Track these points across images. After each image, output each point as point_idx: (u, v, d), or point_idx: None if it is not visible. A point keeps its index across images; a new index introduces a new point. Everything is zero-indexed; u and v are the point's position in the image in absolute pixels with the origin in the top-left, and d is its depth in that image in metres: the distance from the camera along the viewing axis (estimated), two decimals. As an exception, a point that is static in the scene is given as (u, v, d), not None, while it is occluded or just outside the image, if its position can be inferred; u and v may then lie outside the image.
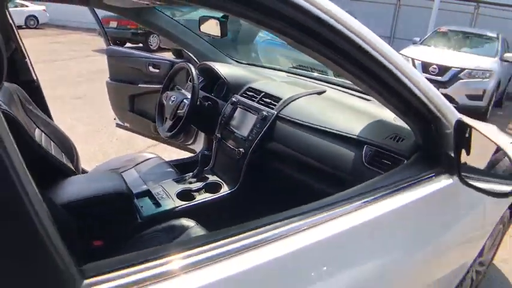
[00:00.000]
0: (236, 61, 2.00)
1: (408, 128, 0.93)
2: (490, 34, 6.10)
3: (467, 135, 0.85)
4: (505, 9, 8.38)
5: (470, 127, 0.86)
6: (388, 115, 1.11)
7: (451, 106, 0.88)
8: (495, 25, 7.66)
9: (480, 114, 4.95)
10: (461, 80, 4.87)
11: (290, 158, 1.32)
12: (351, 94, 1.49)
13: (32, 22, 13.87)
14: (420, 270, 0.87)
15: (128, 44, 9.52)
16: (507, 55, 5.51)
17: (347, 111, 1.30)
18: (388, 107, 0.85)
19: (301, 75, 1.85)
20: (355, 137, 1.12)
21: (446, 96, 1.76)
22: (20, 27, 13.30)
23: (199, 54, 1.88)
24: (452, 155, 0.84)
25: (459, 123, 0.84)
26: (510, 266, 2.02)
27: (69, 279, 0.40)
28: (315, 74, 1.83)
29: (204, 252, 0.51)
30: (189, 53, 1.91)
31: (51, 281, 0.39)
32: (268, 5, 0.55)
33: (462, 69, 4.93)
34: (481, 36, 6.19)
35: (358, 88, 1.25)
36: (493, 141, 0.93)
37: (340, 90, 1.56)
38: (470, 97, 4.79)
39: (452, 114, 0.86)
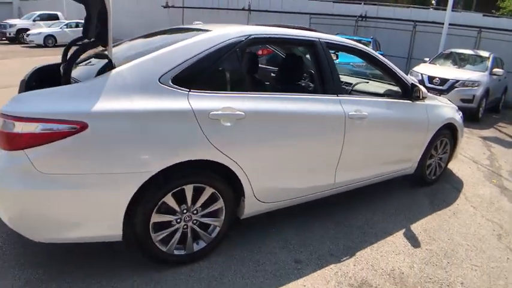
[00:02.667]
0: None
1: (400, 89, 3.05)
2: (483, 54, 8.13)
3: (415, 87, 2.98)
4: (504, 33, 10.36)
5: (415, 85, 2.98)
6: (394, 87, 3.22)
7: (409, 79, 3.01)
8: (495, 47, 9.64)
9: (473, 114, 6.93)
10: (456, 88, 6.89)
11: None
12: (380, 82, 3.64)
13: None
14: (398, 144, 2.99)
15: None
16: (495, 70, 7.49)
17: (380, 86, 3.43)
18: (393, 81, 3.00)
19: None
20: (385, 93, 3.23)
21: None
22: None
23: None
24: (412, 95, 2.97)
25: (412, 84, 2.97)
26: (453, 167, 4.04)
27: None
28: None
29: None
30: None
31: None
32: (352, 48, 2.72)
33: (457, 81, 6.96)
34: (476, 56, 8.22)
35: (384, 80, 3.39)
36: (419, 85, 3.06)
37: (375, 80, 3.71)
38: (464, 101, 6.76)
39: (409, 81, 2.99)
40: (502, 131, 6.81)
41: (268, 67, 3.73)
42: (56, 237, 1.77)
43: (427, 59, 8.54)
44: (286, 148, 2.23)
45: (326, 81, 2.44)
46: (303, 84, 2.96)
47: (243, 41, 2.10)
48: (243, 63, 2.28)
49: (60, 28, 15.58)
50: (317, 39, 2.47)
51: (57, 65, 2.66)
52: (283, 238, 2.43)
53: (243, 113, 1.96)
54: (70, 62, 1.83)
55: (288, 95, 2.28)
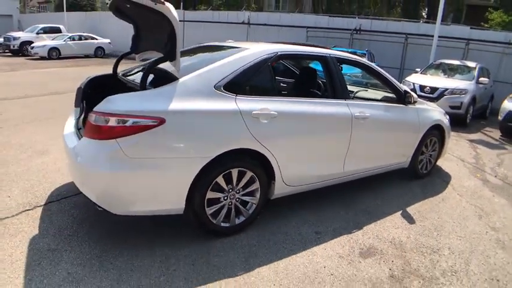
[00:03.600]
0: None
1: (394, 95, 3.68)
2: (470, 64, 8.90)
3: (408, 93, 3.61)
4: (489, 44, 11.20)
5: (407, 91, 3.61)
6: (390, 94, 3.85)
7: (402, 86, 3.64)
8: (482, 58, 10.45)
9: (461, 119, 7.61)
10: (445, 96, 7.59)
11: None
12: (376, 90, 4.27)
13: (100, 52, 17.51)
14: (394, 141, 3.60)
15: None
16: (481, 79, 8.23)
17: (377, 93, 4.05)
18: (389, 89, 3.62)
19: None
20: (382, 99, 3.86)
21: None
22: (88, 56, 17.01)
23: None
24: (405, 100, 3.60)
25: (404, 90, 3.61)
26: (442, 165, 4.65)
27: None
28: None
29: None
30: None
31: None
32: (355, 61, 3.35)
33: (446, 89, 7.67)
34: (463, 66, 8.99)
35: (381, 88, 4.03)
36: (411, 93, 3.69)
37: (371, 88, 4.34)
38: (452, 107, 7.44)
39: (402, 88, 3.62)
40: (488, 134, 7.49)
41: (283, 78, 4.35)
42: (132, 210, 2.27)
43: (419, 69, 9.28)
44: (307, 141, 2.82)
45: (336, 89, 3.06)
46: (319, 91, 3.54)
47: (272, 57, 2.71)
48: (274, 74, 2.86)
49: (64, 41, 16.23)
50: (328, 55, 3.09)
51: (107, 76, 3.22)
52: (303, 217, 2.99)
53: (276, 113, 2.55)
54: (146, 73, 2.37)
55: (308, 99, 2.90)
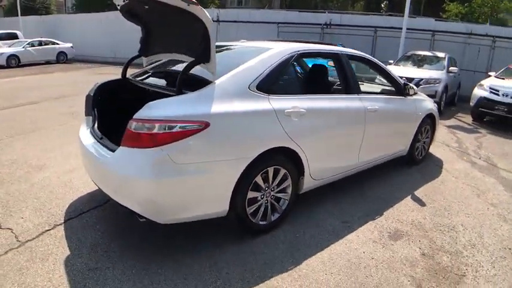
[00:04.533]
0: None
1: (393, 88, 3.97)
2: (439, 55, 9.58)
3: (407, 85, 3.92)
4: (453, 35, 12.07)
5: (406, 84, 3.92)
6: (387, 87, 4.14)
7: (401, 80, 3.94)
8: (446, 48, 11.25)
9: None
10: (421, 86, 8.13)
11: None
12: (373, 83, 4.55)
13: (62, 57, 16.79)
14: (398, 131, 3.90)
15: None
16: (451, 68, 8.90)
17: (376, 86, 4.34)
18: (389, 82, 3.90)
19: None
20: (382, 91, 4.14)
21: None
22: (49, 62, 16.23)
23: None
24: (404, 91, 3.90)
25: (404, 83, 3.91)
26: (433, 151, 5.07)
27: None
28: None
29: None
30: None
31: None
32: (362, 57, 3.59)
33: (421, 79, 8.22)
34: (433, 56, 9.65)
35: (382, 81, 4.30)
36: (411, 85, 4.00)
37: (368, 82, 4.62)
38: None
39: (401, 81, 3.92)
40: (462, 120, 8.14)
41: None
42: (179, 217, 2.27)
43: (392, 61, 9.83)
44: (330, 135, 3.02)
45: (350, 84, 3.28)
46: (336, 87, 3.71)
47: (294, 55, 2.86)
48: (297, 73, 3.01)
49: (23, 47, 15.29)
50: (340, 52, 3.30)
51: (116, 81, 3.20)
52: (326, 209, 3.19)
53: (304, 110, 2.72)
54: (182, 76, 2.31)
55: (329, 96, 3.11)
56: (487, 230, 3.01)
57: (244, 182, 2.43)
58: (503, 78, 7.84)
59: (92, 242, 2.53)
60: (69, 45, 17.20)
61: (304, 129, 2.73)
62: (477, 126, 7.46)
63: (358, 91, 3.35)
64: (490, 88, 7.37)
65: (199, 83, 2.39)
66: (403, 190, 3.74)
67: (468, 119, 8.22)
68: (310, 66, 4.08)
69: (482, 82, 7.87)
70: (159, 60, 3.34)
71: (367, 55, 3.74)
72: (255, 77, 2.53)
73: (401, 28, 11.22)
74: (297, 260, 2.40)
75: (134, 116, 2.18)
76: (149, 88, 2.90)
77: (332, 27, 14.40)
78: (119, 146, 2.31)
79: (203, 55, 2.32)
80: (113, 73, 13.86)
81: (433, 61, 9.50)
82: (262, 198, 2.63)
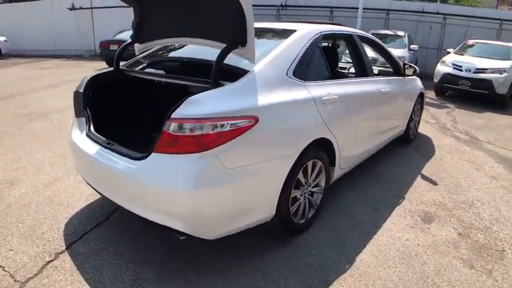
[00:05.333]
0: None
1: (392, 69, 3.99)
2: (399, 33, 10.00)
3: (406, 65, 3.96)
4: (407, 14, 12.65)
5: (405, 64, 3.96)
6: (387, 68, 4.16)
7: (399, 61, 3.98)
8: (401, 26, 11.77)
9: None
10: (389, 64, 8.45)
11: None
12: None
13: None
14: (401, 111, 3.95)
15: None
16: (412, 46, 9.35)
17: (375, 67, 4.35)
18: (389, 62, 3.91)
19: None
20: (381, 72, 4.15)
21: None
22: None
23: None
24: (403, 72, 3.94)
25: (403, 63, 3.95)
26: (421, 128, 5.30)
27: None
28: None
29: None
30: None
31: None
32: (369, 39, 3.55)
33: (389, 58, 8.53)
34: (394, 35, 10.05)
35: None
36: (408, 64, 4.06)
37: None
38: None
39: (400, 62, 3.96)
40: (427, 96, 8.60)
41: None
42: (229, 229, 2.00)
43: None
44: (355, 121, 2.94)
45: (367, 67, 3.21)
46: (357, 70, 3.51)
47: (319, 37, 2.68)
48: (323, 56, 2.82)
49: None
50: (353, 33, 3.21)
51: (109, 73, 2.78)
52: (352, 197, 3.14)
53: (337, 97, 2.59)
54: (218, 65, 1.97)
55: (352, 80, 3.01)
56: (501, 203, 3.18)
57: (290, 180, 2.25)
58: (462, 54, 8.39)
59: (112, 270, 2.14)
60: (2, 38, 15.16)
61: (336, 117, 2.61)
62: (443, 102, 7.95)
63: (372, 73, 3.30)
64: (453, 64, 7.85)
65: (232, 72, 2.10)
66: (410, 170, 3.83)
67: (431, 94, 8.71)
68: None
69: (444, 59, 8.36)
70: (149, 49, 2.93)
71: (370, 35, 3.70)
72: (291, 61, 2.31)
73: (357, 8, 11.47)
74: (349, 258, 2.32)
75: (172, 115, 1.81)
76: (160, 80, 2.56)
77: (288, 8, 14.33)
78: (140, 151, 1.98)
79: (238, 39, 1.99)
80: (58, 66, 12.66)
81: (394, 40, 9.89)
82: (301, 196, 2.49)
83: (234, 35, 2.00)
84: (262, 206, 2.15)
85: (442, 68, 8.16)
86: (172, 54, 3.01)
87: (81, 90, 2.55)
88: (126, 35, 11.42)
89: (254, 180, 2.02)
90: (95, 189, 2.44)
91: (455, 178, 3.69)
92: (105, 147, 2.21)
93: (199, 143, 1.78)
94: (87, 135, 2.39)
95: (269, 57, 2.25)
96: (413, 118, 4.60)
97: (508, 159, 4.39)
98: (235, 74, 2.10)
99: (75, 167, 2.76)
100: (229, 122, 1.83)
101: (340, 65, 4.10)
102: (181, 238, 1.97)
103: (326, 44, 3.65)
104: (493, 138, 5.23)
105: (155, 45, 2.83)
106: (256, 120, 1.93)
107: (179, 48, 3.00)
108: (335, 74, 3.04)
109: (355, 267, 2.23)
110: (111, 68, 2.83)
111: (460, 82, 7.63)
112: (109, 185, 2.23)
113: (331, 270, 2.20)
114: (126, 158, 2.04)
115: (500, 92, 7.34)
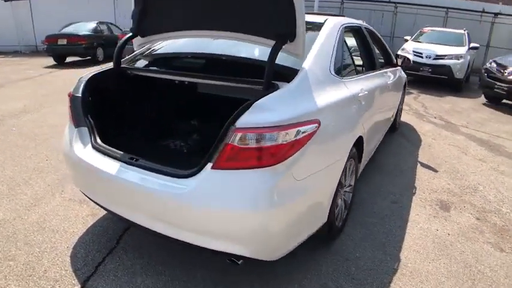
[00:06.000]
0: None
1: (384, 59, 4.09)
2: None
3: (398, 56, 4.07)
4: (361, 2, 13.13)
5: (398, 55, 4.08)
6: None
7: (392, 54, 4.09)
8: (355, 15, 12.20)
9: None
10: (355, 53, 8.72)
11: None
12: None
13: None
14: (396, 101, 4.07)
15: (76, 58, 10.82)
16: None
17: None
18: (383, 53, 4.00)
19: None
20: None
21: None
22: None
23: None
24: (395, 62, 4.06)
25: (396, 54, 4.06)
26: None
27: None
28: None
29: None
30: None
31: None
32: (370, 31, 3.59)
33: (354, 47, 8.79)
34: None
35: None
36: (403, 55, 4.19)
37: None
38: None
39: (392, 53, 4.07)
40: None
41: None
42: (290, 247, 1.83)
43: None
44: (375, 114, 2.95)
45: (375, 59, 3.24)
46: (367, 63, 3.42)
47: (343, 30, 2.60)
48: (348, 50, 2.75)
49: None
50: (362, 25, 3.20)
51: (108, 72, 2.41)
52: (365, 191, 3.17)
53: (367, 92, 2.57)
54: (272, 65, 1.76)
55: (371, 73, 2.99)
56: (499, 185, 3.44)
57: (339, 183, 2.18)
58: (419, 42, 8.92)
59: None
60: None
61: (364, 112, 2.58)
62: (406, 88, 8.41)
63: (379, 66, 3.35)
64: (414, 51, 8.30)
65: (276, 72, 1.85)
66: (407, 159, 3.99)
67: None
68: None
69: (404, 46, 8.82)
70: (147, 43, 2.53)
71: (367, 25, 3.73)
72: (330, 57, 2.19)
73: (313, -3, 11.69)
74: (393, 256, 2.33)
75: (238, 124, 1.57)
76: (183, 80, 2.31)
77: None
78: (172, 166, 1.75)
79: (287, 32, 1.77)
80: (24, 63, 11.22)
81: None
82: (339, 197, 2.42)
83: (283, 28, 1.78)
84: (321, 214, 2.05)
85: (403, 55, 8.58)
86: (177, 49, 2.71)
87: (79, 95, 2.17)
88: (75, 29, 10.52)
89: (318, 189, 1.92)
90: (111, 212, 2.11)
91: (450, 164, 3.91)
92: (130, 164, 1.88)
93: (271, 156, 1.58)
94: (96, 149, 2.04)
95: (312, 53, 2.09)
96: (399, 107, 4.79)
97: (485, 141, 4.77)
98: (279, 73, 1.90)
99: (78, 184, 2.39)
100: (300, 128, 1.66)
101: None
102: (239, 262, 1.79)
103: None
104: (465, 122, 5.65)
105: (162, 39, 2.49)
106: (319, 123, 1.79)
107: (185, 42, 2.73)
108: (356, 68, 3.00)
109: (403, 265, 2.25)
110: (110, 66, 2.45)
111: (421, 68, 8.11)
112: (139, 208, 1.91)
113: (382, 271, 2.19)
114: (165, 177, 1.75)
115: (458, 76, 7.94)
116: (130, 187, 1.82)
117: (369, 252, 2.36)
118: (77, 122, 2.16)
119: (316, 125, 1.76)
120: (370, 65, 3.24)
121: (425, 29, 9.56)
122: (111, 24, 12.17)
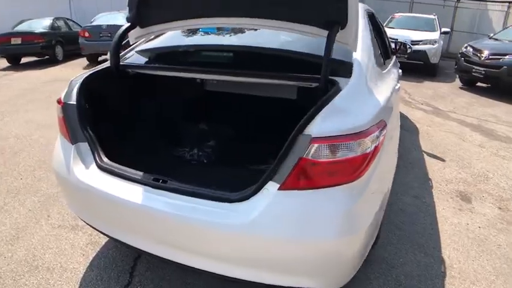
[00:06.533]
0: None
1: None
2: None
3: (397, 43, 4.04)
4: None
5: (398, 42, 4.04)
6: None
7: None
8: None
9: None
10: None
11: None
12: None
13: None
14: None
15: (33, 58, 9.92)
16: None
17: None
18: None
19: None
20: None
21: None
22: None
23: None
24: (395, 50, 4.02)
25: (395, 42, 4.02)
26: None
27: None
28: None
29: None
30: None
31: None
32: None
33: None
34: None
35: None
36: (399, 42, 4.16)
37: None
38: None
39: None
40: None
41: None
42: (359, 267, 1.67)
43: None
44: (394, 108, 2.88)
45: (388, 47, 3.16)
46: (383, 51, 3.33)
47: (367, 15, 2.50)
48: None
49: None
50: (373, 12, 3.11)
51: (104, 72, 2.01)
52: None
53: (399, 85, 2.49)
54: (328, 58, 1.49)
55: (391, 61, 2.94)
56: (504, 171, 3.53)
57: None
58: (392, 28, 9.05)
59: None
60: None
61: (395, 106, 2.48)
62: (385, 75, 8.55)
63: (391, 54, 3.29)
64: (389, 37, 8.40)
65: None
66: (412, 149, 4.00)
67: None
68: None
69: (380, 33, 8.91)
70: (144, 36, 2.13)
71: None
72: (369, 46, 2.02)
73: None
74: (436, 258, 2.27)
75: (316, 133, 1.31)
76: (209, 78, 2.09)
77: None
78: (205, 185, 1.50)
79: (338, 19, 1.53)
80: None
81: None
82: None
83: (333, 13, 1.53)
84: (378, 223, 1.86)
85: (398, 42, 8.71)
86: (180, 43, 2.41)
87: (73, 102, 1.78)
88: (30, 26, 9.64)
89: (383, 199, 1.74)
90: (126, 245, 1.75)
91: (453, 151, 3.97)
92: (154, 187, 1.54)
93: (352, 169, 1.35)
94: (102, 169, 1.67)
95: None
96: (393, 96, 4.81)
97: (477, 126, 4.92)
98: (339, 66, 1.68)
99: (76, 210, 1.97)
100: (376, 133, 1.42)
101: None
102: None
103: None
104: (452, 107, 5.81)
105: (168, 29, 2.09)
106: (386, 125, 1.58)
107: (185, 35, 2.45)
108: (383, 57, 2.84)
109: (449, 267, 2.20)
110: (106, 65, 2.06)
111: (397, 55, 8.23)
112: (174, 242, 1.55)
113: (432, 276, 2.12)
114: (209, 201, 1.43)
115: (433, 61, 8.17)
116: (161, 217, 1.49)
117: (411, 255, 2.29)
118: (73, 138, 1.76)
119: (385, 127, 1.56)
120: (386, 54, 3.15)
121: (396, 15, 9.73)
122: (69, 19, 11.29)
